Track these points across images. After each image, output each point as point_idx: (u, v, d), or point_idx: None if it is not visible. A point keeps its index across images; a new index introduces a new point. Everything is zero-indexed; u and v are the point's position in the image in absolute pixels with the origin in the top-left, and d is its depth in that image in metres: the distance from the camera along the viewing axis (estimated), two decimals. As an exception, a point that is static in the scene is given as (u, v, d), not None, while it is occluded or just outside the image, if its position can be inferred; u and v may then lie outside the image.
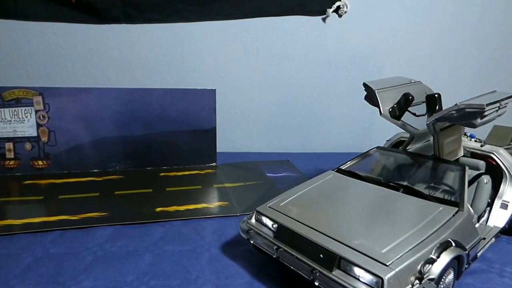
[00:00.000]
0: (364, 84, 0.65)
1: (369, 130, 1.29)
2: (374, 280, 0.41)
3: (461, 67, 1.32)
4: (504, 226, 0.64)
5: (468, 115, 0.53)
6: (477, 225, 0.61)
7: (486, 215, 0.64)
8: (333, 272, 0.45)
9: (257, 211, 0.58)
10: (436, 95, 0.63)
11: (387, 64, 1.25)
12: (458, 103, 0.53)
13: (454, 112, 0.54)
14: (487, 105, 0.51)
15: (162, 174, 1.00)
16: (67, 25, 1.12)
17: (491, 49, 1.33)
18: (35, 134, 0.96)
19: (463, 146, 0.68)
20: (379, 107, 0.63)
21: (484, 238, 0.60)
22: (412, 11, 1.24)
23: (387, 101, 0.64)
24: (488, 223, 0.64)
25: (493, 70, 1.35)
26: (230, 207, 0.79)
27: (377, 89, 0.63)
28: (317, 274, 0.46)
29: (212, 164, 1.08)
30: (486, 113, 0.52)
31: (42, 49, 1.13)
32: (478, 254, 0.56)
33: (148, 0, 1.11)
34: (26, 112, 0.94)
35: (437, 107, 0.63)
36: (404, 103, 0.63)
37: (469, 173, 0.60)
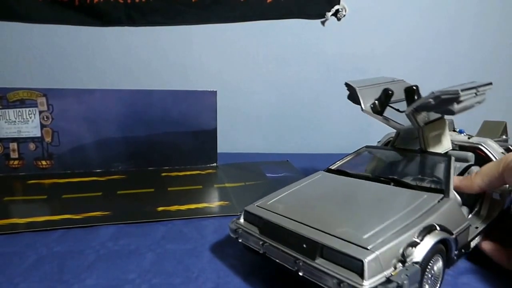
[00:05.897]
0: (346, 84, 0.66)
1: (366, 131, 1.29)
2: (355, 264, 0.40)
3: (458, 71, 1.33)
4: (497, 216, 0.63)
5: (444, 102, 0.54)
6: (469, 216, 0.61)
7: (478, 206, 0.63)
8: (316, 261, 0.44)
9: (245, 211, 0.57)
10: (414, 87, 0.63)
11: (384, 67, 1.26)
12: (434, 91, 0.53)
13: (431, 100, 0.54)
14: (462, 90, 0.51)
15: (163, 174, 1.01)
16: (70, 28, 1.13)
17: (487, 54, 1.33)
18: (39, 135, 0.97)
19: (451, 140, 0.68)
20: (360, 104, 0.64)
21: (477, 227, 0.59)
22: (410, 15, 1.25)
23: (369, 98, 0.64)
24: (480, 214, 0.63)
25: (489, 74, 1.35)
26: (231, 207, 0.80)
27: (358, 87, 0.64)
28: (301, 264, 0.45)
29: (213, 164, 1.09)
30: (461, 99, 0.52)
31: (46, 50, 1.14)
32: (472, 244, 0.55)
33: (150, 3, 1.13)
34: (30, 112, 0.95)
35: (415, 98, 0.63)
36: (384, 98, 0.63)
37: (459, 165, 0.60)
